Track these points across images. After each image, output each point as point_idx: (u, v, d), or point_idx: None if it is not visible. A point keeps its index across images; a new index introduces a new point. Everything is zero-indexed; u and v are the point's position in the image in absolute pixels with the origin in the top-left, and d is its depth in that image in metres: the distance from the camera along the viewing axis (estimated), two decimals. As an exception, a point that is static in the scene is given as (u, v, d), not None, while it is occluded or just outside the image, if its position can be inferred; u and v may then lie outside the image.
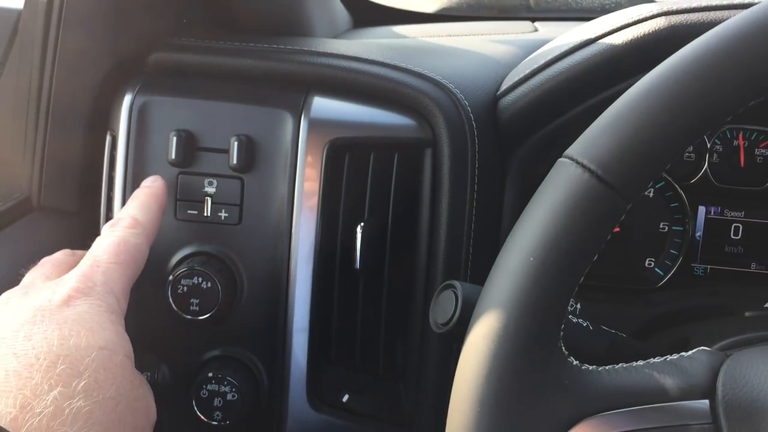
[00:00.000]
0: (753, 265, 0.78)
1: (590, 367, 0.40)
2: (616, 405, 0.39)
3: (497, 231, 0.65)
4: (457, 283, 0.48)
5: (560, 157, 0.41)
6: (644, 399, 0.39)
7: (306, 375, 0.60)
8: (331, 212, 0.60)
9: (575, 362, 0.40)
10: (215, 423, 0.58)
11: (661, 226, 0.79)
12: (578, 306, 0.53)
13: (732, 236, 0.79)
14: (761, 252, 0.78)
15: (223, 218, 0.59)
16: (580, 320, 0.53)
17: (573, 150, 0.40)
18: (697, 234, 0.79)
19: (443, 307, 0.48)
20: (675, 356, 0.42)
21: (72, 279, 0.48)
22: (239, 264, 0.59)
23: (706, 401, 0.39)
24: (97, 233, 0.64)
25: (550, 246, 0.38)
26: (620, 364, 0.41)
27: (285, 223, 0.59)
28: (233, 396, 0.58)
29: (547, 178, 0.40)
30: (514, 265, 0.39)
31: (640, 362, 0.41)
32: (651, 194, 0.78)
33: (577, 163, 0.39)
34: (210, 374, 0.58)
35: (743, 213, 0.78)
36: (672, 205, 0.78)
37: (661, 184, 0.77)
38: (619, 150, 0.38)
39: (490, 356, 0.38)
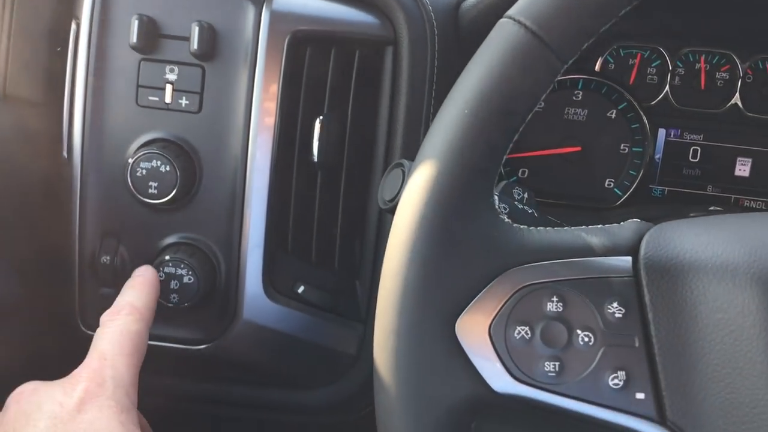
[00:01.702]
0: (709, 187, 0.80)
1: (522, 226, 0.42)
2: (542, 258, 0.40)
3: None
4: (405, 162, 0.50)
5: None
6: (569, 254, 0.41)
7: (262, 264, 0.61)
8: (291, 105, 0.61)
9: (507, 219, 0.42)
10: (171, 305, 0.60)
11: (621, 147, 0.80)
12: (525, 195, 0.54)
13: (690, 159, 0.80)
14: (718, 175, 0.80)
15: (183, 106, 0.60)
16: (526, 207, 0.54)
17: (512, 10, 0.41)
18: (657, 156, 0.81)
19: (391, 185, 0.49)
20: (607, 225, 0.43)
21: (83, 377, 0.48)
22: (198, 151, 0.60)
23: (629, 258, 0.41)
24: (61, 123, 0.65)
25: (483, 98, 0.39)
26: (552, 227, 0.43)
27: (244, 113, 0.60)
28: (189, 279, 0.59)
29: (487, 37, 0.42)
30: (449, 117, 0.40)
31: (573, 227, 0.43)
32: (613, 115, 0.79)
33: (515, 20, 0.40)
34: (167, 257, 0.59)
35: (702, 136, 0.80)
36: (633, 126, 0.79)
37: (623, 105, 0.79)
38: (555, 9, 0.39)
39: (422, 204, 0.39)
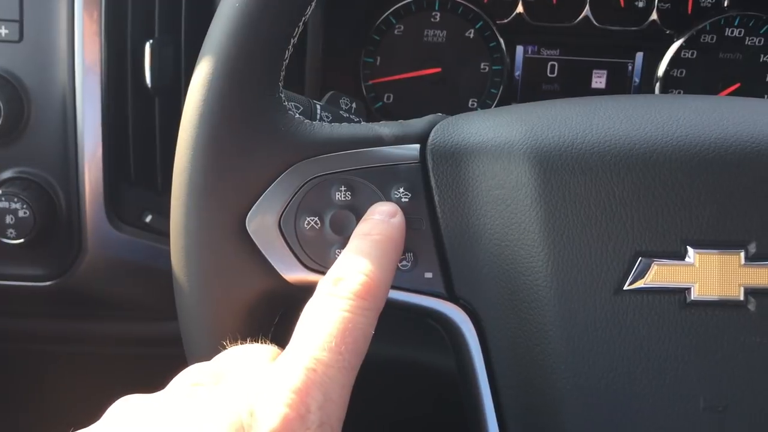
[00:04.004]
0: (568, 101, 0.82)
1: (313, 122, 0.42)
2: (330, 151, 0.41)
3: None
4: None
5: None
6: (358, 145, 0.41)
7: (103, 194, 0.60)
8: (118, 29, 0.59)
9: (297, 115, 0.42)
10: (8, 241, 0.59)
11: (482, 66, 0.81)
12: (353, 105, 0.55)
13: (549, 74, 0.82)
14: (576, 88, 0.82)
15: (3, 35, 0.58)
16: (352, 116, 0.55)
17: None
18: (516, 73, 0.82)
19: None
20: (406, 120, 0.44)
21: (276, 401, 0.29)
22: (24, 82, 0.58)
23: (417, 146, 0.41)
24: None
25: None
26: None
27: (68, 40, 0.58)
28: (25, 213, 0.58)
29: None
30: (223, 12, 0.40)
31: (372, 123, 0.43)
32: (471, 35, 0.80)
33: None
34: (-1, 192, 0.58)
35: (558, 51, 0.81)
36: (491, 45, 0.80)
37: (480, 24, 0.79)
38: None
39: (202, 101, 0.39)
